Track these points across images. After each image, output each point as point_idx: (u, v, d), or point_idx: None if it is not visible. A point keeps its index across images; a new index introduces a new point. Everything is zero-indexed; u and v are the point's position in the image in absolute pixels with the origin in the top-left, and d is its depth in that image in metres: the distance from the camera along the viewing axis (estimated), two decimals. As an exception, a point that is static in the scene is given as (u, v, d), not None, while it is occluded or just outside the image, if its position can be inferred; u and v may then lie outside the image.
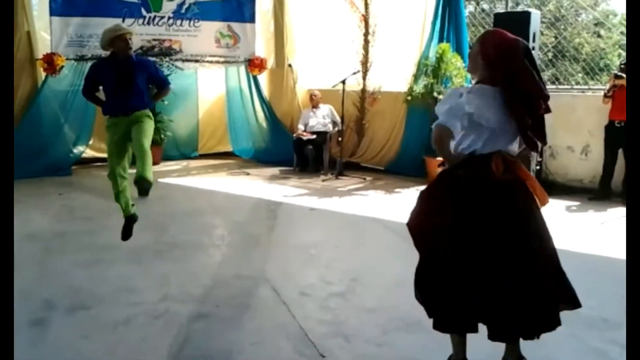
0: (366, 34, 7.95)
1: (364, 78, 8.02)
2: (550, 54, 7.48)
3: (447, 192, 2.50)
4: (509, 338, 2.50)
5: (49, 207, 5.98)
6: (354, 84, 7.98)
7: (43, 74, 7.70)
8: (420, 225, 2.55)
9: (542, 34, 6.91)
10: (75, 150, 8.04)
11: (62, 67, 7.67)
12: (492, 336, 2.46)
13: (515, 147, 2.55)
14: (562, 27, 7.39)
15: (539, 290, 2.41)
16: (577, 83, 7.32)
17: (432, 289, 2.53)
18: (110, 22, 7.80)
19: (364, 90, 8.05)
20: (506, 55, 2.42)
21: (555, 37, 7.46)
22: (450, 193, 2.48)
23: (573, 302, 2.49)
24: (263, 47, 9.05)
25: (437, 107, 2.55)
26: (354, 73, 7.76)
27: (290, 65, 8.90)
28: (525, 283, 2.39)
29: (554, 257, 2.49)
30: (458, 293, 2.44)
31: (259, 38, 8.96)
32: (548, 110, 2.58)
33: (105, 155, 8.45)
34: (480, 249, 2.41)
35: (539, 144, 2.57)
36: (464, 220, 2.44)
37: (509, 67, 2.40)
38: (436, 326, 2.57)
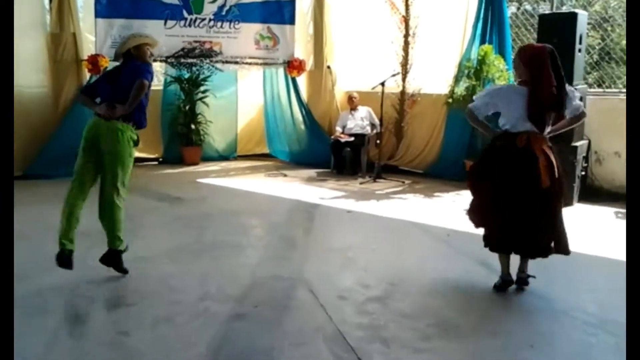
0: (406, 35, 7.87)
1: (404, 80, 7.94)
2: (596, 56, 7.26)
3: (490, 156, 3.72)
4: (525, 255, 3.70)
5: (92, 205, 6.07)
6: (394, 86, 7.91)
7: (88, 75, 7.89)
8: (473, 177, 3.89)
9: (587, 35, 6.71)
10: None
11: (106, 67, 7.82)
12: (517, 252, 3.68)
13: (547, 128, 3.60)
14: (609, 28, 7.17)
15: (538, 226, 3.55)
16: (625, 86, 7.08)
17: (483, 220, 3.77)
18: (152, 24, 8.01)
19: (403, 93, 7.98)
20: (538, 57, 3.50)
21: (602, 39, 7.24)
22: (491, 156, 3.70)
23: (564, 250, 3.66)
24: (302, 49, 9.07)
25: (476, 95, 3.89)
26: (394, 75, 7.69)
27: (329, 67, 8.90)
28: (532, 219, 3.54)
29: (555, 208, 3.59)
30: (497, 222, 3.65)
31: (298, 39, 8.98)
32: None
33: (147, 154, 8.70)
34: (507, 194, 3.56)
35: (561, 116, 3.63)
36: (499, 174, 3.59)
37: (538, 65, 3.46)
38: (488, 246, 3.74)
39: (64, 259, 3.75)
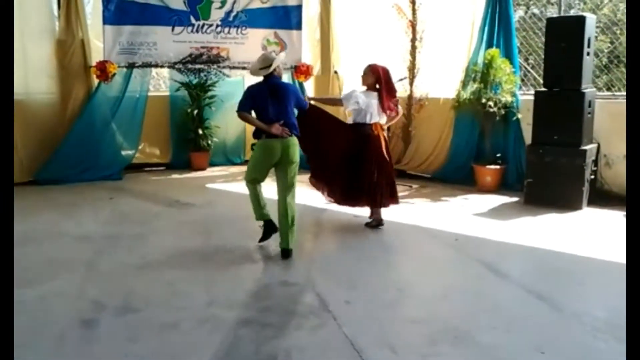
0: (413, 40, 7.86)
1: (411, 84, 7.92)
2: (605, 60, 7.21)
3: (353, 137, 5.29)
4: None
5: (100, 210, 6.14)
6: (401, 91, 7.86)
7: (96, 81, 7.93)
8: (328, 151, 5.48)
9: (596, 38, 6.67)
10: (125, 155, 8.23)
11: (114, 74, 7.87)
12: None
13: (384, 120, 5.34)
14: (619, 31, 7.11)
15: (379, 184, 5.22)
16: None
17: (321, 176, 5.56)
18: (160, 30, 8.06)
19: (410, 97, 7.96)
20: (385, 73, 5.27)
21: (611, 42, 7.19)
22: (354, 138, 5.28)
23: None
24: (309, 54, 9.08)
25: (343, 95, 5.58)
26: (401, 79, 7.66)
27: (336, 72, 8.88)
28: (364, 179, 5.21)
29: (387, 175, 5.30)
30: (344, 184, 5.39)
31: (305, 45, 8.99)
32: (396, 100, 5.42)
33: (156, 160, 8.74)
34: (356, 162, 5.24)
35: (396, 112, 5.43)
36: (354, 149, 5.26)
37: (386, 79, 5.26)
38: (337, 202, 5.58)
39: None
